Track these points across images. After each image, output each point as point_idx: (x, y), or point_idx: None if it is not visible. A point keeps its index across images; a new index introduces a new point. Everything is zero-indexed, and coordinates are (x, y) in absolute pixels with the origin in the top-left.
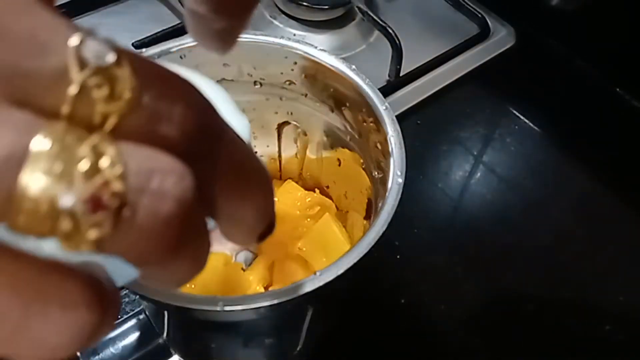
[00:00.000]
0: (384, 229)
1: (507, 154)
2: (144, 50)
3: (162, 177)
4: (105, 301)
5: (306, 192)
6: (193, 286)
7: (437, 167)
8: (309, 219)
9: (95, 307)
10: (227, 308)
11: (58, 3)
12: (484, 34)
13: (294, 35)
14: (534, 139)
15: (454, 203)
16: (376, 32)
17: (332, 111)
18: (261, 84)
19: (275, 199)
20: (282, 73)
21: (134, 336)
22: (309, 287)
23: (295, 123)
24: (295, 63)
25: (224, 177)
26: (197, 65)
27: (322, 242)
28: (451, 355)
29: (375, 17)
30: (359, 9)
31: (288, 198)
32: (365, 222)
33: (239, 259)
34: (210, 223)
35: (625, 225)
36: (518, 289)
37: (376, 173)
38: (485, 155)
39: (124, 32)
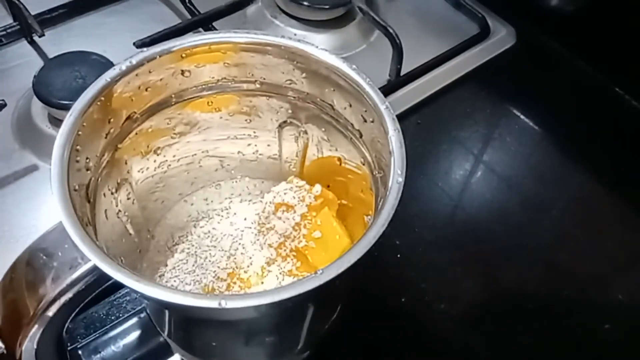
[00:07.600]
0: (385, 227)
1: (507, 153)
2: (144, 49)
3: None
4: None
5: (309, 186)
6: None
7: (437, 166)
8: (309, 212)
9: None
10: (228, 306)
11: (60, 3)
12: (484, 33)
13: (295, 34)
14: (534, 139)
15: (454, 202)
16: (376, 32)
17: (333, 110)
18: (262, 83)
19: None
20: (282, 72)
21: (135, 334)
22: (309, 286)
23: (296, 122)
24: (296, 62)
25: None
26: (197, 65)
27: (321, 236)
28: (451, 354)
29: (375, 17)
30: (360, 8)
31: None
32: (365, 221)
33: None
34: None
35: (625, 225)
36: (518, 288)
37: (377, 172)
38: (485, 154)
39: (125, 32)
